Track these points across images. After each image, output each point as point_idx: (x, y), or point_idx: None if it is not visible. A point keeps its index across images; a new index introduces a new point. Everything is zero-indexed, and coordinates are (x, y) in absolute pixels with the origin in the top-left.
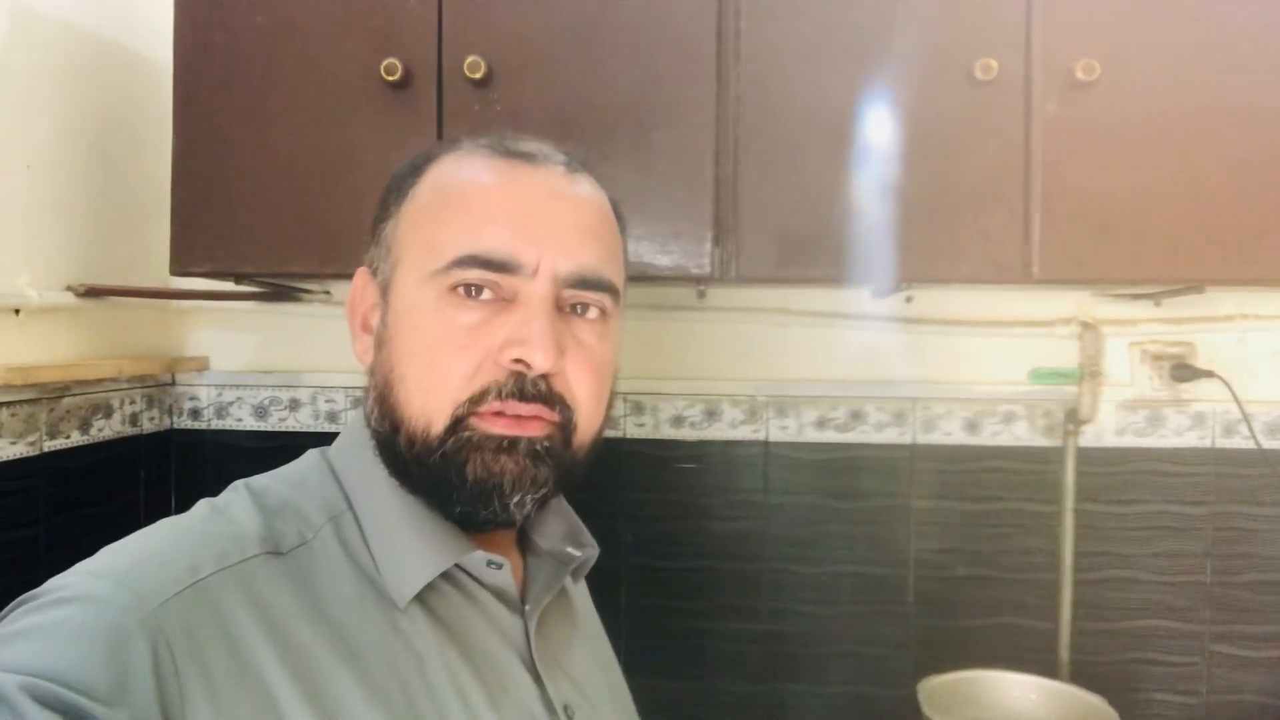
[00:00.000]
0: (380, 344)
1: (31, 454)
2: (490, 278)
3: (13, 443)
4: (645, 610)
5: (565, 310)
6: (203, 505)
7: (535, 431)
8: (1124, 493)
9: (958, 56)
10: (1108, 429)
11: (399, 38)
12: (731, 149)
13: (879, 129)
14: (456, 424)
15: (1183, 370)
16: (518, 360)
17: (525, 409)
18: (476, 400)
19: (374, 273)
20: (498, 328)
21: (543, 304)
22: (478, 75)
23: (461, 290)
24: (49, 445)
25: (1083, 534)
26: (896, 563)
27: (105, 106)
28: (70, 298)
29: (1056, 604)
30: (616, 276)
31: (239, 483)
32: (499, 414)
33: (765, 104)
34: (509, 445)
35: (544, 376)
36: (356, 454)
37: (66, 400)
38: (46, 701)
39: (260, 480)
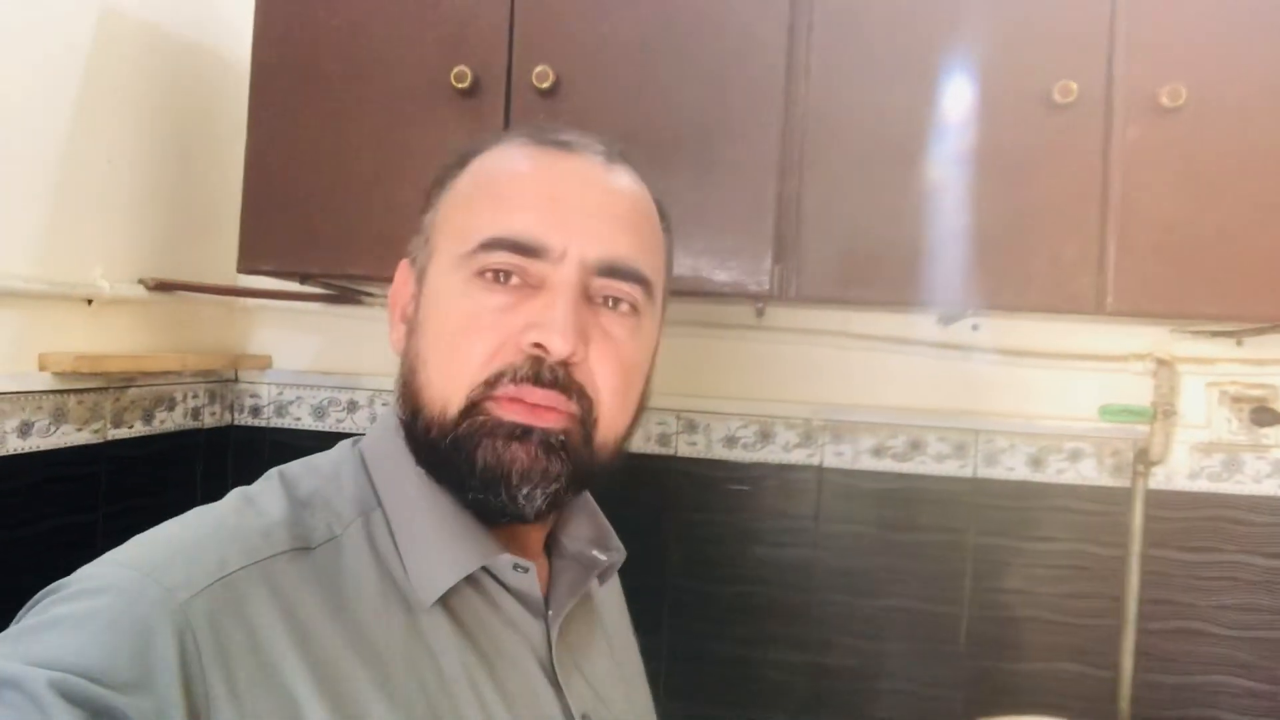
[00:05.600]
0: (411, 330)
1: (96, 441)
2: (517, 262)
3: (78, 429)
4: (689, 634)
5: (596, 302)
6: (235, 495)
7: (551, 423)
8: (1195, 539)
9: (1036, 77)
10: (1180, 472)
11: (470, 45)
12: (797, 165)
13: (950, 149)
14: (471, 407)
15: (1264, 414)
16: (537, 345)
17: (540, 395)
18: (492, 383)
19: (413, 262)
20: (522, 312)
21: (567, 289)
22: (546, 85)
23: (489, 275)
24: (113, 434)
25: (1149, 581)
26: (951, 600)
27: (185, 106)
28: (141, 291)
29: (1117, 652)
30: (651, 270)
31: (273, 470)
32: (515, 400)
33: (834, 120)
34: (522, 433)
35: (563, 364)
36: (387, 445)
37: (132, 391)
38: (73, 698)
39: (294, 469)
